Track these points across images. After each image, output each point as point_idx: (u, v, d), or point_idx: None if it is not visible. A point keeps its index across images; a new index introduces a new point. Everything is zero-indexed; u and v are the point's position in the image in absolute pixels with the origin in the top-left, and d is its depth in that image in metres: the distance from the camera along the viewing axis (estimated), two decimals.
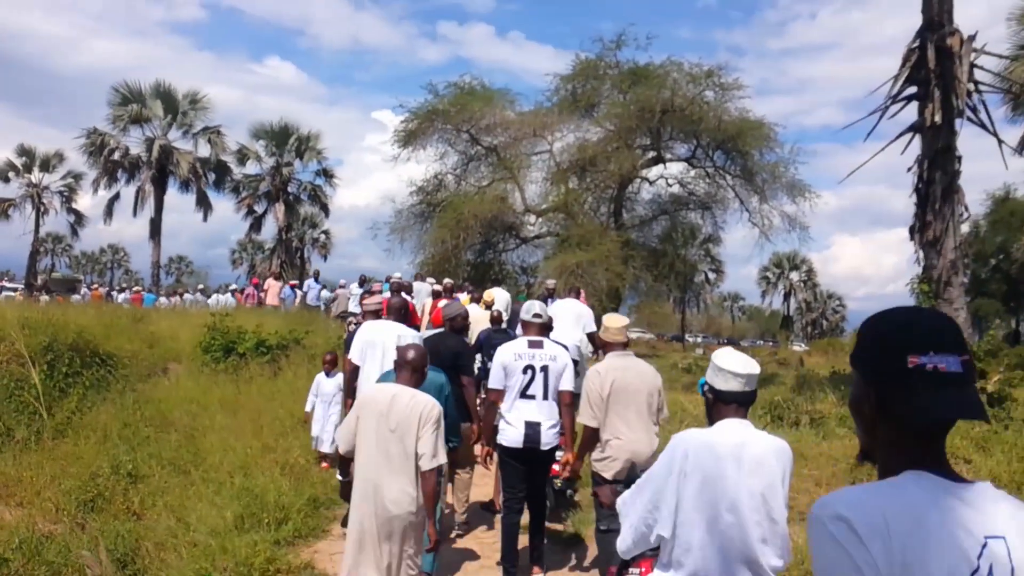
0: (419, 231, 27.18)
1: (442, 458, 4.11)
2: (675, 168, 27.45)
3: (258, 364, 11.50)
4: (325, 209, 35.60)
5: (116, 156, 30.56)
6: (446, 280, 14.43)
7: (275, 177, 32.87)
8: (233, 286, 25.49)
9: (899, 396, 1.34)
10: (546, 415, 5.23)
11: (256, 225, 34.33)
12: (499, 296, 12.28)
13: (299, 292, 21.15)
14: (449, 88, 26.59)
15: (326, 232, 38.90)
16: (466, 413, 6.20)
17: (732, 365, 2.80)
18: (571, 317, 9.05)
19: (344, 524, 5.36)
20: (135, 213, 31.43)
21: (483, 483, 7.41)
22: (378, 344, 6.31)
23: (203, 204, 32.48)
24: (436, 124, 26.66)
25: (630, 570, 3.18)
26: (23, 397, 8.84)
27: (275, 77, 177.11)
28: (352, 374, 6.44)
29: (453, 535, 6.45)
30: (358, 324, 8.00)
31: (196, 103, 31.39)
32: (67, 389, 9.40)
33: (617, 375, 4.87)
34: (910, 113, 12.07)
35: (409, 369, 4.25)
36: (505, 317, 10.57)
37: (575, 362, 6.63)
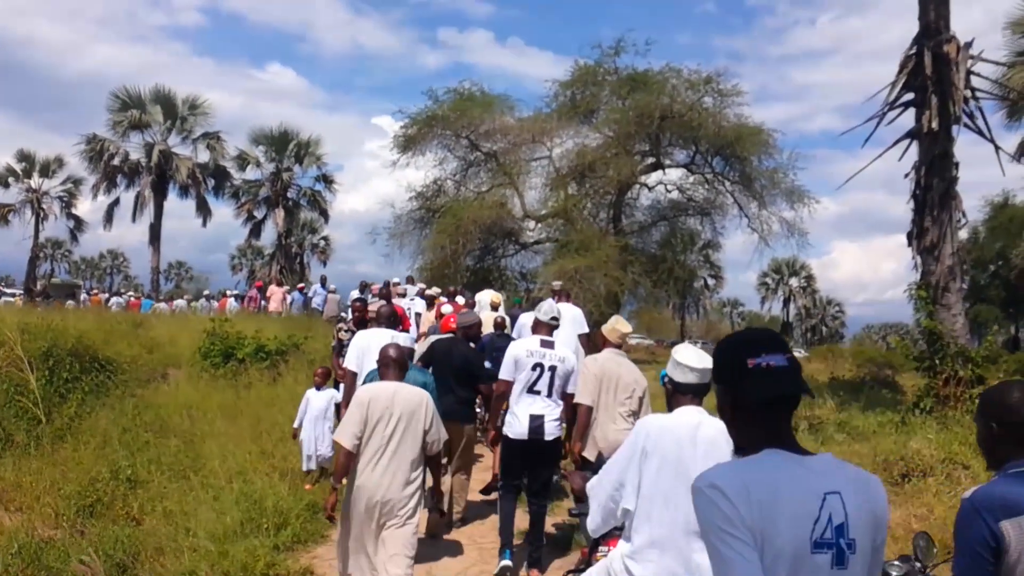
0: (418, 236, 27.20)
1: (444, 437, 4.74)
2: (674, 174, 27.49)
3: (257, 370, 11.52)
4: (325, 215, 35.64)
5: (116, 162, 30.62)
6: (433, 288, 14.55)
7: (275, 183, 32.90)
8: (235, 291, 25.51)
9: (746, 388, 1.75)
10: (549, 411, 5.57)
11: (256, 231, 34.37)
12: (484, 300, 12.52)
13: (307, 296, 21.18)
14: (449, 94, 26.64)
15: (325, 238, 38.91)
16: (468, 414, 6.64)
17: (689, 360, 3.18)
18: (567, 320, 9.11)
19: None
20: (134, 219, 31.49)
21: (483, 476, 7.70)
22: (374, 350, 6.32)
23: (203, 210, 32.54)
24: (436, 130, 26.68)
25: (600, 548, 3.50)
26: (23, 402, 8.84)
27: (275, 83, 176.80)
28: (351, 381, 6.60)
29: (452, 526, 6.78)
30: (350, 331, 8.14)
31: (196, 108, 31.47)
32: (67, 394, 9.40)
33: (610, 366, 5.40)
34: (908, 119, 12.14)
35: (396, 366, 4.74)
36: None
37: None
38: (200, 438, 8.56)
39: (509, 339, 8.01)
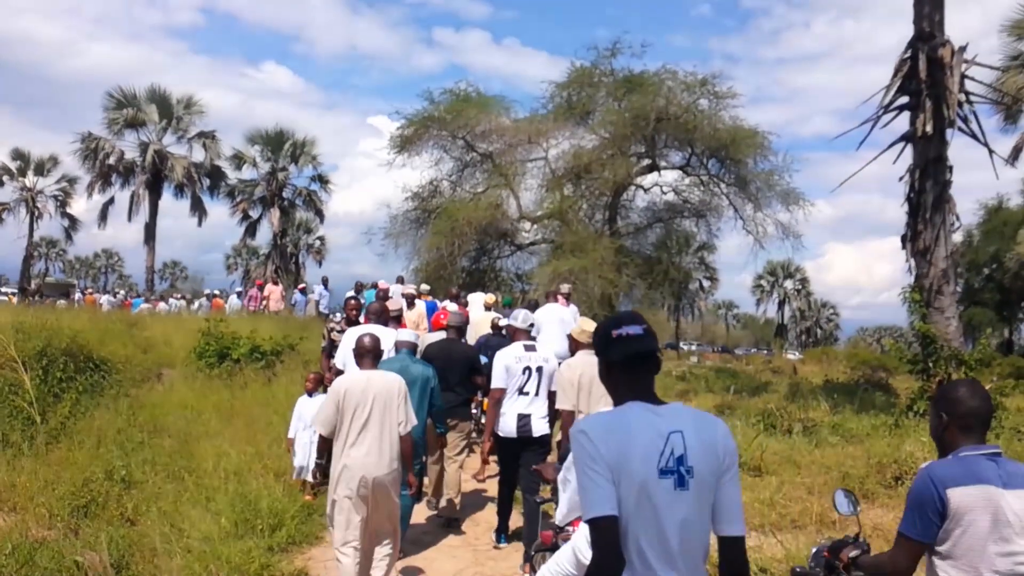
0: (414, 237, 27.12)
1: (413, 421, 5.06)
2: (669, 176, 27.45)
3: (253, 370, 11.50)
4: (320, 215, 35.69)
5: (111, 161, 30.58)
6: (409, 289, 14.60)
7: (270, 182, 32.89)
8: (239, 289, 25.45)
9: (611, 352, 2.27)
10: (537, 408, 6.08)
11: (251, 230, 34.38)
12: (475, 300, 12.80)
13: (309, 297, 21.01)
14: (445, 95, 26.58)
15: (321, 238, 38.96)
16: (465, 412, 7.11)
17: None
18: (555, 323, 9.23)
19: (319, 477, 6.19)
20: (129, 218, 31.48)
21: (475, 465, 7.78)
22: None
23: (198, 209, 32.53)
24: (432, 130, 26.64)
25: (566, 529, 3.73)
26: (17, 402, 8.81)
27: (271, 82, 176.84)
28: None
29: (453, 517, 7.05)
30: (343, 331, 7.94)
31: (191, 108, 31.46)
32: (61, 394, 9.38)
33: (586, 369, 5.42)
34: (903, 122, 12.19)
35: (371, 355, 5.14)
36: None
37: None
38: (195, 438, 8.55)
39: (504, 338, 8.05)
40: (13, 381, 9.24)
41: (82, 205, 47.53)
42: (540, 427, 6.07)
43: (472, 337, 9.57)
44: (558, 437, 6.20)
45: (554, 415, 6.12)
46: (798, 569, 3.27)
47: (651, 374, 2.28)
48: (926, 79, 10.99)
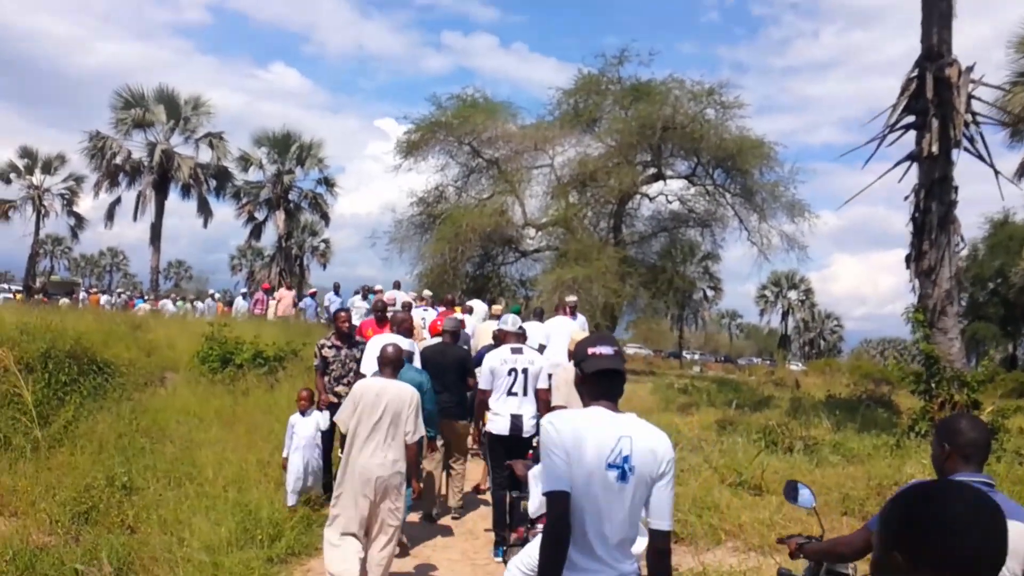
0: (418, 242, 27.24)
1: (421, 431, 5.36)
2: (675, 185, 27.55)
3: (255, 375, 11.50)
4: (325, 218, 35.76)
5: (118, 160, 30.62)
6: (406, 296, 14.71)
7: (276, 185, 32.97)
8: (244, 291, 25.47)
9: (585, 366, 2.80)
10: (527, 409, 6.45)
11: (256, 232, 34.44)
12: (477, 307, 13.07)
13: (317, 303, 20.81)
14: (452, 100, 26.74)
15: (326, 241, 39.02)
16: (461, 412, 7.40)
17: None
18: (564, 335, 9.30)
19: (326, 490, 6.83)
20: (135, 218, 31.52)
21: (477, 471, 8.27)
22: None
23: (204, 210, 32.58)
24: (438, 135, 26.76)
25: (536, 525, 3.96)
26: (21, 404, 8.83)
27: (279, 83, 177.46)
28: None
29: (450, 517, 7.54)
30: (335, 347, 7.71)
31: (199, 108, 31.53)
32: (64, 397, 9.39)
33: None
34: (910, 137, 12.15)
35: (391, 366, 5.51)
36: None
37: None
38: (196, 445, 8.55)
39: None
40: (17, 383, 9.26)
41: (88, 203, 47.70)
42: (529, 428, 6.45)
43: (475, 348, 9.71)
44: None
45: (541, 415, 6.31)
46: (783, 570, 3.48)
47: (615, 386, 2.80)
48: (933, 98, 10.98)
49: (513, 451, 6.23)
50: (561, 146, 26.74)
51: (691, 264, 34.01)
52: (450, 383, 7.31)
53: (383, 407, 5.19)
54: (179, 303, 27.03)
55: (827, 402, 13.36)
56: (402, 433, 5.22)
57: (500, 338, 7.07)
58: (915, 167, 11.81)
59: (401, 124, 39.52)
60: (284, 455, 7.33)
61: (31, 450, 8.06)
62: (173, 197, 32.43)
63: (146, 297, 30.28)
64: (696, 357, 54.62)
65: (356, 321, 12.34)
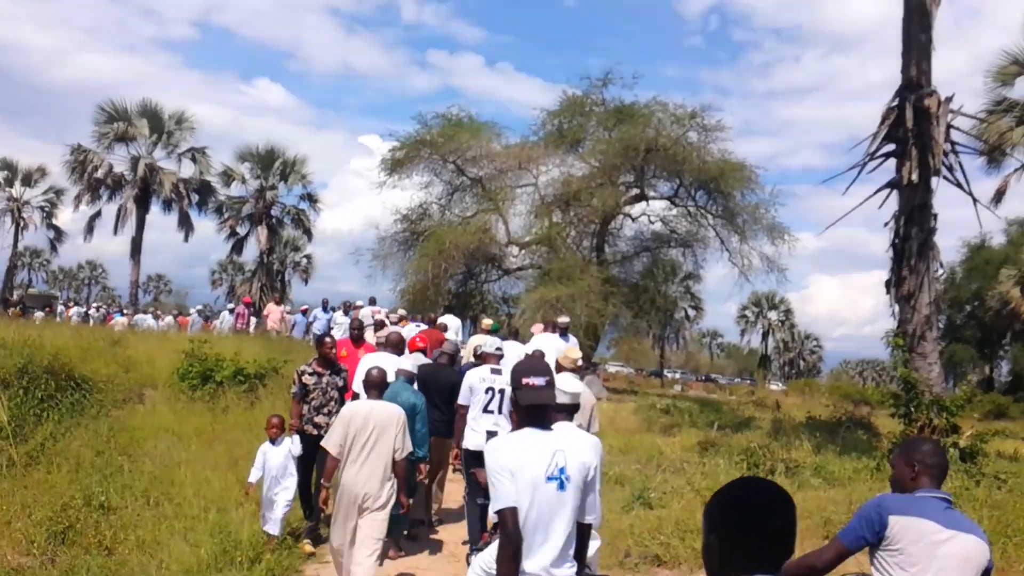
0: (401, 259, 27.14)
1: (408, 448, 5.70)
2: (657, 206, 27.66)
3: (235, 393, 11.39)
4: (308, 233, 35.68)
5: (99, 174, 30.42)
6: (380, 314, 14.82)
7: (259, 200, 32.87)
8: (231, 306, 25.28)
9: (520, 395, 3.17)
10: (502, 427, 6.48)
11: (238, 247, 34.29)
12: (451, 323, 13.10)
13: (308, 319, 20.28)
14: (437, 119, 26.75)
15: (308, 256, 38.91)
16: (450, 431, 7.37)
17: (564, 386, 4.40)
18: (552, 352, 9.38)
19: (308, 536, 6.95)
20: (116, 231, 31.26)
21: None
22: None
23: (185, 224, 32.38)
24: (423, 153, 26.75)
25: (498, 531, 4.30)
26: None
27: (264, 98, 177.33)
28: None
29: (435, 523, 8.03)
30: (315, 374, 7.14)
31: (182, 123, 31.42)
32: (41, 414, 9.25)
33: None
34: (891, 163, 12.31)
35: (377, 389, 5.87)
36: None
37: None
38: (175, 464, 8.46)
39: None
40: None
41: (68, 215, 47.16)
42: None
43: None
44: None
45: None
46: None
47: (544, 410, 3.19)
48: (912, 128, 11.16)
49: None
50: (545, 166, 26.83)
51: (673, 284, 34.15)
52: (438, 402, 7.52)
53: (371, 427, 5.48)
54: (167, 319, 26.69)
55: (807, 424, 13.44)
56: (390, 451, 5.52)
57: (482, 358, 7.28)
58: (895, 194, 11.99)
59: (386, 141, 39.52)
60: (251, 480, 6.87)
61: (6, 468, 7.94)
62: (154, 211, 32.26)
63: (124, 311, 30.00)
64: (677, 376, 54.73)
65: (338, 335, 12.29)
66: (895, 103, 11.62)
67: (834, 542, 3.18)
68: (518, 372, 3.24)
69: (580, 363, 6.69)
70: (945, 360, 27.22)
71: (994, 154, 17.73)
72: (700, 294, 40.68)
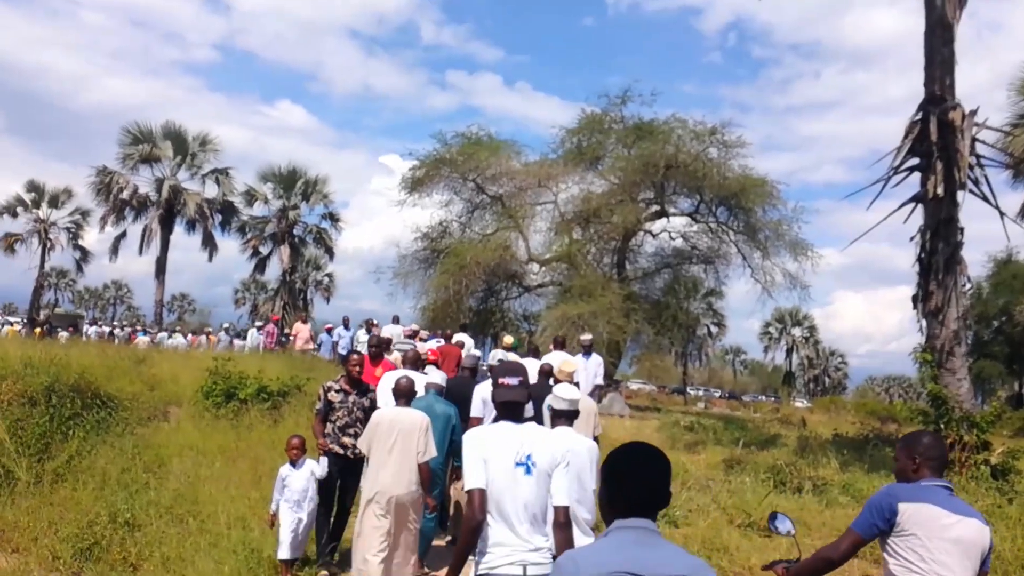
0: (422, 276, 27.27)
1: (432, 452, 5.88)
2: (678, 222, 27.57)
3: (259, 411, 11.42)
4: (330, 252, 35.91)
5: (125, 195, 30.89)
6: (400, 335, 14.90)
7: (281, 219, 33.16)
8: (259, 324, 25.46)
9: (496, 394, 3.64)
10: None
11: (260, 266, 34.56)
12: (466, 340, 13.31)
13: (333, 339, 20.21)
14: (457, 137, 26.91)
15: (329, 275, 39.18)
16: None
17: (563, 394, 4.63)
18: (579, 372, 9.57)
19: (325, 556, 6.70)
20: (141, 252, 31.67)
21: None
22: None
23: (209, 244, 32.75)
24: (443, 172, 26.90)
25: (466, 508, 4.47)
26: (24, 438, 8.79)
27: (285, 120, 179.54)
28: None
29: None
30: (342, 391, 6.93)
31: (206, 145, 31.86)
32: (68, 432, 9.34)
33: None
34: (915, 177, 12.18)
35: (405, 397, 6.17)
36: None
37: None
38: (199, 481, 8.48)
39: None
40: (21, 416, 9.23)
41: (93, 236, 47.84)
42: None
43: None
44: None
45: None
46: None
47: (517, 412, 3.60)
48: (937, 141, 11.04)
49: None
50: (565, 183, 26.88)
51: (695, 300, 34.01)
52: (467, 414, 7.61)
53: (396, 432, 5.75)
54: (179, 338, 26.86)
55: (834, 441, 13.25)
56: (415, 454, 5.75)
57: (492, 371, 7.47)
58: (920, 208, 11.85)
59: (406, 160, 39.87)
60: (272, 510, 6.65)
61: (33, 484, 8.01)
62: (178, 231, 32.69)
63: (148, 330, 30.32)
64: (700, 393, 54.28)
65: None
66: (919, 116, 11.50)
67: (848, 533, 3.29)
68: (496, 373, 3.75)
69: (576, 376, 7.20)
70: (973, 376, 26.83)
71: (1020, 167, 17.51)
72: (722, 310, 40.45)
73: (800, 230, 24.95)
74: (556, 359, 10.27)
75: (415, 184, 27.16)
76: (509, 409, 3.60)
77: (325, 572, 6.58)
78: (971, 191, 11.47)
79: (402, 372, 7.66)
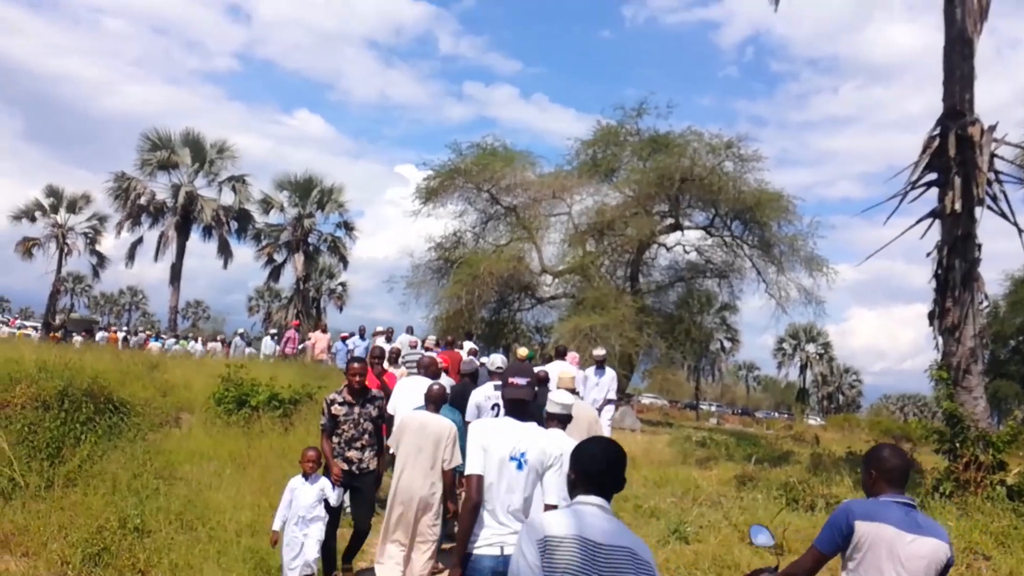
0: (435, 286, 27.29)
1: (458, 460, 5.94)
2: (693, 235, 27.50)
3: (270, 418, 11.43)
4: (344, 261, 36.03)
5: (142, 201, 31.15)
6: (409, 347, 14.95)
7: (296, 228, 33.31)
8: (274, 331, 25.47)
9: (505, 392, 4.02)
10: None
11: (275, 274, 34.72)
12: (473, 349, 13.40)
13: (349, 347, 20.29)
14: (472, 148, 26.98)
15: (343, 284, 39.25)
16: None
17: (557, 399, 4.83)
18: (555, 375, 9.60)
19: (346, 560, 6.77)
20: (156, 258, 31.91)
21: None
22: (414, 396, 7.36)
23: (224, 251, 32.94)
24: (457, 182, 26.96)
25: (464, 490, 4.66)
26: (36, 442, 8.82)
27: (303, 129, 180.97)
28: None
29: None
30: (346, 403, 6.53)
31: (223, 152, 32.11)
32: (80, 436, 9.37)
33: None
34: (933, 193, 12.08)
35: (435, 403, 6.33)
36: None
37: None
38: (209, 487, 8.49)
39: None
40: (34, 420, 9.27)
41: (110, 242, 48.30)
42: None
43: None
44: None
45: None
46: None
47: (522, 409, 3.94)
48: (955, 156, 10.93)
49: None
50: (579, 195, 26.89)
51: (708, 315, 33.80)
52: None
53: (425, 437, 5.96)
54: (214, 344, 26.90)
55: (847, 458, 13.10)
56: (440, 460, 5.94)
57: (489, 375, 7.93)
58: (937, 224, 11.73)
59: (421, 170, 39.96)
60: (275, 527, 6.21)
61: (44, 488, 8.03)
62: (194, 238, 32.93)
63: (160, 337, 30.48)
64: (713, 408, 53.98)
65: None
66: (937, 132, 11.40)
67: (810, 550, 3.33)
68: (506, 373, 4.14)
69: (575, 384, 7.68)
70: (989, 396, 26.52)
71: None
72: (736, 325, 40.10)
73: (816, 245, 24.84)
74: (555, 369, 10.31)
75: (429, 194, 27.23)
76: (516, 406, 3.95)
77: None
78: (989, 207, 11.33)
79: (415, 380, 7.96)
